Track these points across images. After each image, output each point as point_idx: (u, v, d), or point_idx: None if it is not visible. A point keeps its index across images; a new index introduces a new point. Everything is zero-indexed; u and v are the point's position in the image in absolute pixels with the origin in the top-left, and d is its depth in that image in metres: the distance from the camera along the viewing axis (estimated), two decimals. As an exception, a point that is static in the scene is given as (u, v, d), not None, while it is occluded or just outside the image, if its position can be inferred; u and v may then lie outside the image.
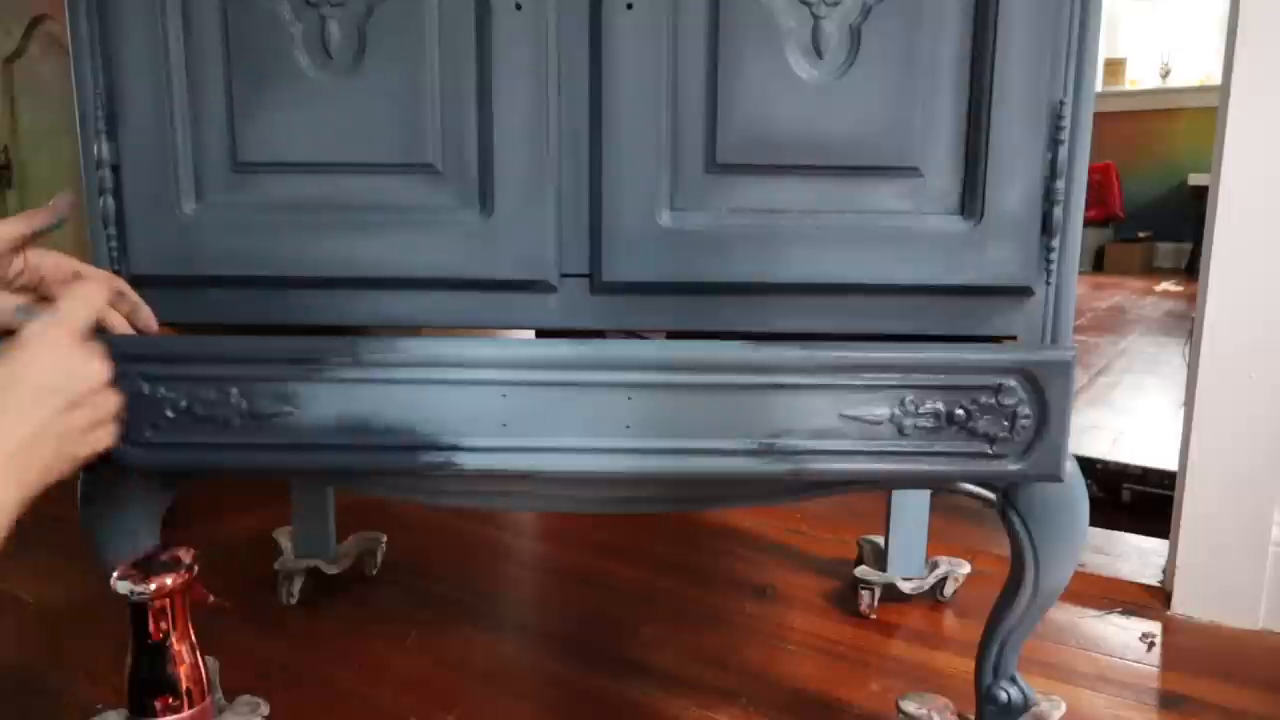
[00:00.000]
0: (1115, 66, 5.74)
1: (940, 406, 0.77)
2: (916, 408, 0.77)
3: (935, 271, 0.80)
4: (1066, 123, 0.77)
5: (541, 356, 0.78)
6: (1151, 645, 1.27)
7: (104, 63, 0.79)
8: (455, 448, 0.79)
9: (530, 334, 0.93)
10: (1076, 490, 0.84)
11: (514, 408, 0.78)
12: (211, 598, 0.81)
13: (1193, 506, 1.34)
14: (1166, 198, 5.64)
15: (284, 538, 1.40)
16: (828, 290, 0.81)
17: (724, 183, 0.80)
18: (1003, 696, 0.91)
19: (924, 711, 0.97)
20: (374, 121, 0.80)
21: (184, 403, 0.77)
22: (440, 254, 0.81)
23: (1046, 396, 0.77)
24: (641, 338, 0.90)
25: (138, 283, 0.78)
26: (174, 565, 0.75)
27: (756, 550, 1.56)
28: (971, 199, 0.79)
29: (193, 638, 0.78)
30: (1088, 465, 1.82)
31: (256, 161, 0.81)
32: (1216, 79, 1.37)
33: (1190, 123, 5.36)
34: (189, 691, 0.76)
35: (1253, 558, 1.31)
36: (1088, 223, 2.38)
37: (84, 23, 0.79)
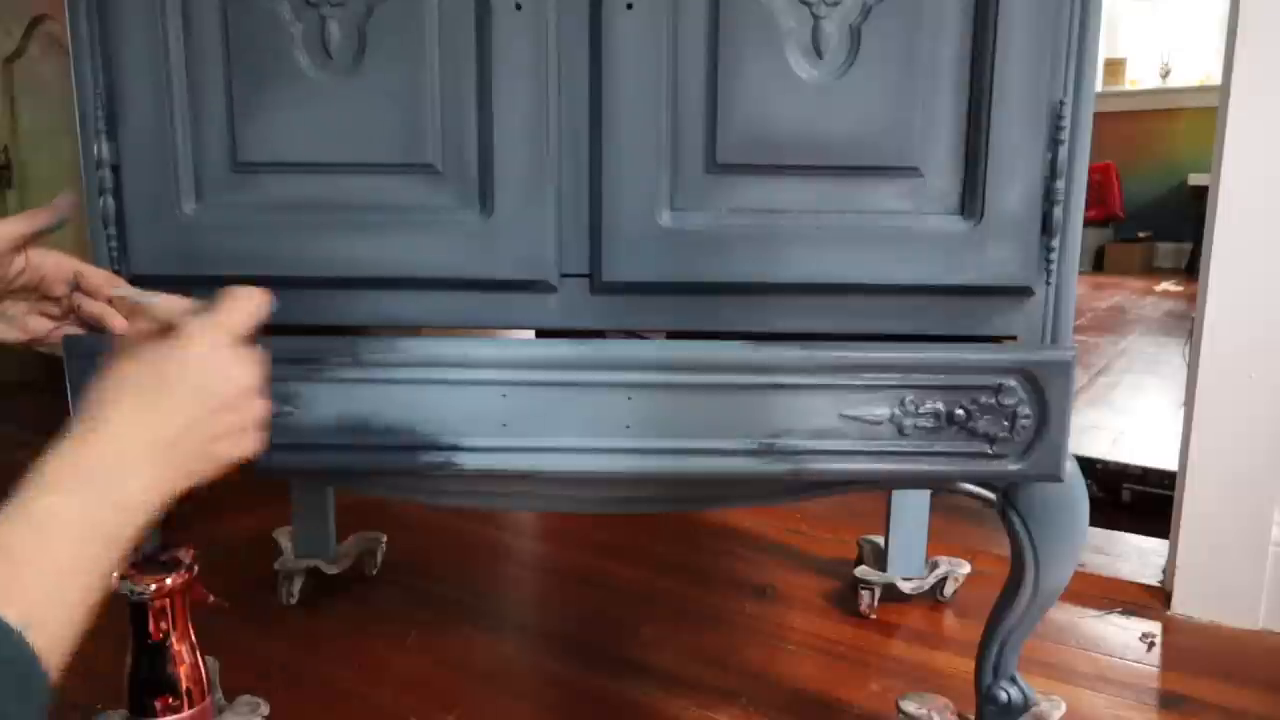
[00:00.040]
0: (1115, 66, 5.73)
1: (940, 406, 0.77)
2: (916, 408, 0.77)
3: (935, 271, 0.80)
4: (1066, 123, 0.77)
5: (541, 356, 0.78)
6: (1151, 645, 1.27)
7: (104, 63, 0.79)
8: (455, 448, 0.79)
9: (530, 334, 0.93)
10: (1076, 490, 0.84)
11: (514, 408, 0.78)
12: (211, 598, 0.81)
13: (1193, 506, 1.34)
14: (1166, 198, 5.63)
15: (284, 538, 1.40)
16: (828, 290, 0.81)
17: (724, 183, 0.80)
18: (1003, 696, 0.91)
19: (924, 711, 0.97)
20: (374, 121, 0.80)
21: (184, 403, 0.77)
22: (440, 254, 0.81)
23: (1046, 396, 0.77)
24: (641, 338, 0.90)
25: (138, 283, 0.78)
26: (174, 565, 0.75)
27: (756, 550, 1.56)
28: (971, 199, 0.79)
29: (193, 638, 0.78)
30: (1088, 465, 1.82)
31: (256, 161, 0.81)
32: (1216, 79, 1.37)
33: (1190, 123, 5.36)
34: (189, 691, 0.76)
35: (1253, 558, 1.31)
36: (1088, 223, 2.38)
37: (84, 23, 0.79)
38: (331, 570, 1.38)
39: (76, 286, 0.75)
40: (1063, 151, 0.77)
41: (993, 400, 0.77)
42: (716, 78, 0.78)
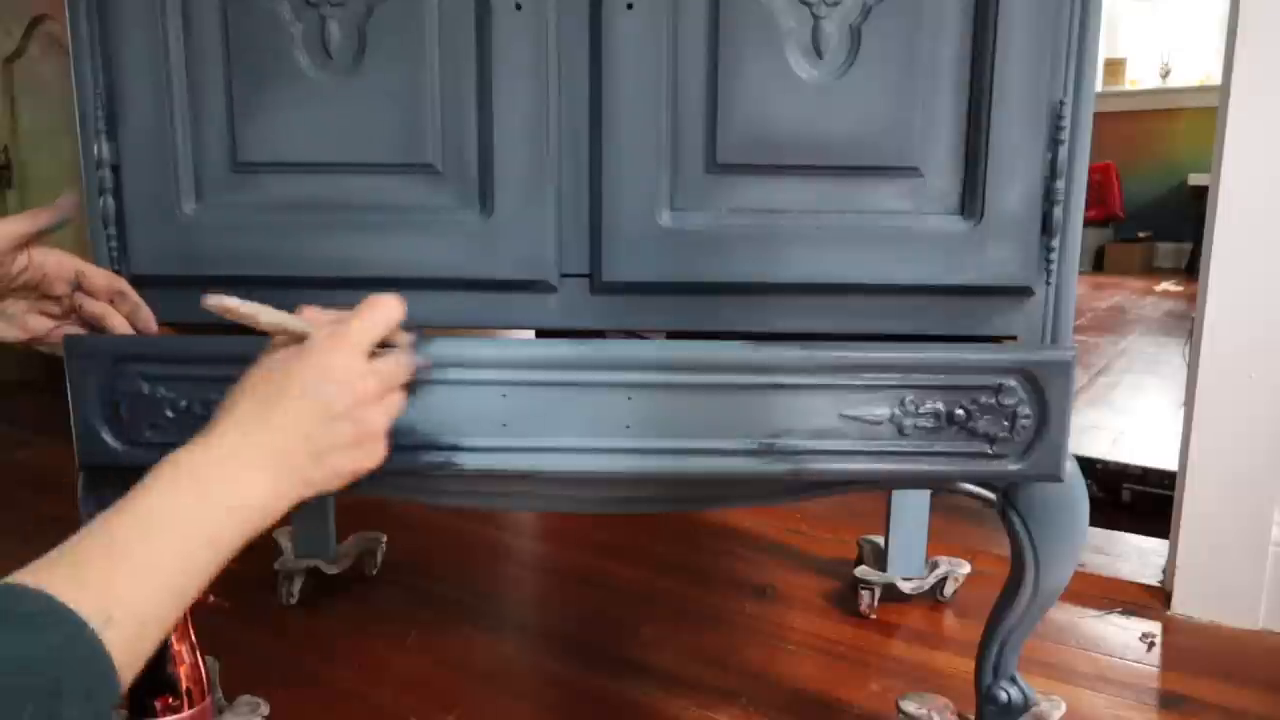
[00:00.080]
0: (1115, 66, 5.73)
1: (940, 406, 0.77)
2: (916, 408, 0.77)
3: (935, 271, 0.80)
4: (1066, 123, 0.77)
5: (541, 356, 0.78)
6: (1151, 645, 1.27)
7: (104, 63, 0.79)
8: (455, 447, 0.79)
9: (530, 334, 0.93)
10: (1076, 490, 0.84)
11: (514, 408, 0.78)
12: (211, 598, 0.81)
13: (1193, 506, 1.34)
14: (1166, 198, 5.63)
15: (284, 538, 1.40)
16: (828, 290, 0.81)
17: (724, 183, 0.80)
18: (1003, 696, 0.91)
19: (924, 711, 0.97)
20: (374, 121, 0.80)
21: (184, 403, 0.77)
22: (440, 254, 0.81)
23: (1046, 396, 0.77)
24: (641, 338, 0.90)
25: (138, 283, 0.78)
26: (174, 565, 0.75)
27: (756, 550, 1.56)
28: (971, 199, 0.79)
29: (193, 638, 0.78)
30: (1088, 465, 1.82)
31: (256, 161, 0.81)
32: (1216, 79, 1.37)
33: (1190, 123, 5.36)
34: (189, 691, 0.76)
35: (1253, 558, 1.31)
36: (1088, 223, 2.38)
37: (84, 23, 0.79)
38: (331, 570, 1.38)
39: (78, 286, 0.75)
40: (1063, 151, 0.77)
41: (993, 400, 0.77)
42: (716, 78, 0.78)
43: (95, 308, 0.75)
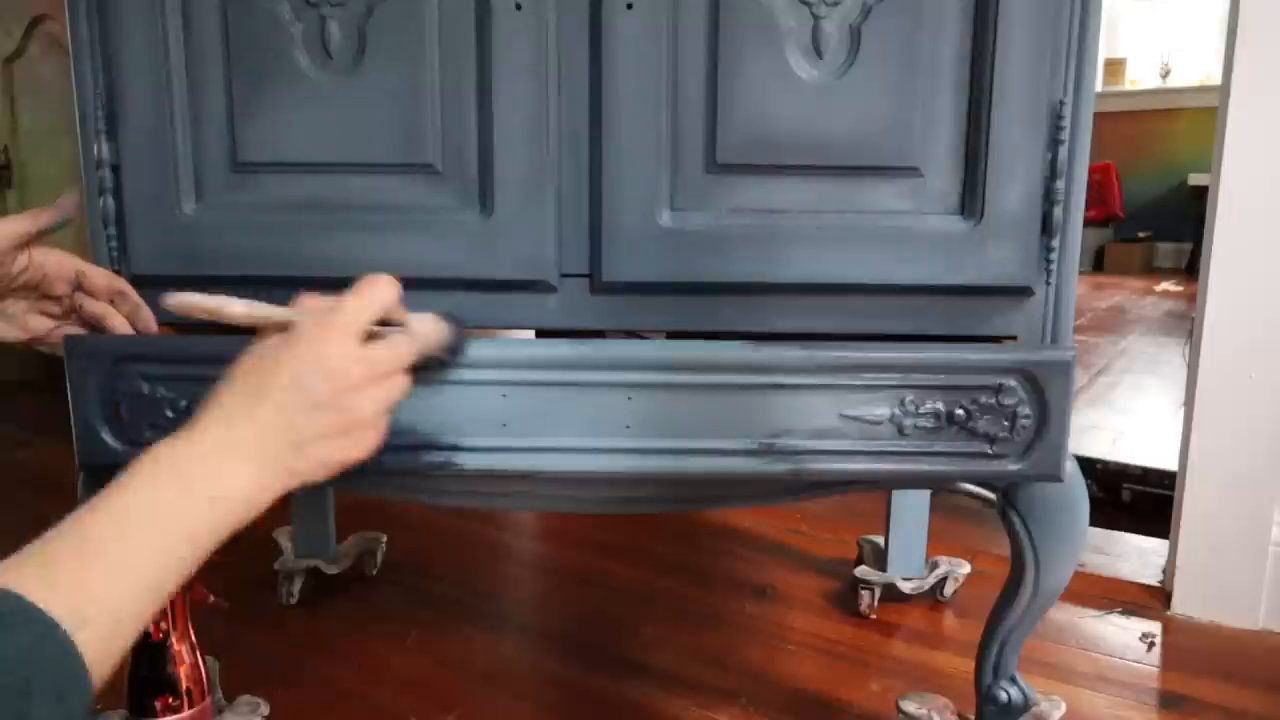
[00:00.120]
0: (1115, 66, 5.73)
1: (940, 406, 0.77)
2: (916, 408, 0.77)
3: (935, 271, 0.80)
4: (1066, 123, 0.77)
5: (541, 356, 0.78)
6: (1151, 645, 1.27)
7: (104, 63, 0.79)
8: (455, 447, 0.79)
9: (530, 334, 0.93)
10: (1076, 490, 0.84)
11: (514, 408, 0.78)
12: (211, 598, 0.81)
13: (1193, 506, 1.34)
14: (1166, 198, 5.63)
15: (284, 538, 1.40)
16: (828, 290, 0.81)
17: (724, 183, 0.80)
18: (1003, 696, 0.91)
19: (924, 711, 0.97)
20: (374, 121, 0.80)
21: (184, 403, 0.77)
22: (440, 254, 0.81)
23: (1046, 396, 0.77)
24: (641, 338, 0.90)
25: (138, 283, 0.78)
26: (174, 565, 0.75)
27: (756, 550, 1.56)
28: (971, 199, 0.79)
29: (193, 638, 0.78)
30: (1088, 465, 1.82)
31: (256, 161, 0.81)
32: (1216, 79, 1.37)
33: (1190, 123, 5.36)
34: (189, 691, 0.76)
35: (1253, 558, 1.31)
36: (1088, 223, 2.38)
37: (84, 23, 0.79)
38: (331, 570, 1.38)
39: (78, 286, 0.75)
40: (1063, 151, 0.77)
41: (993, 400, 0.77)
42: (716, 78, 0.78)
43: (95, 308, 0.75)
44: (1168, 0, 5.75)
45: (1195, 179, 5.24)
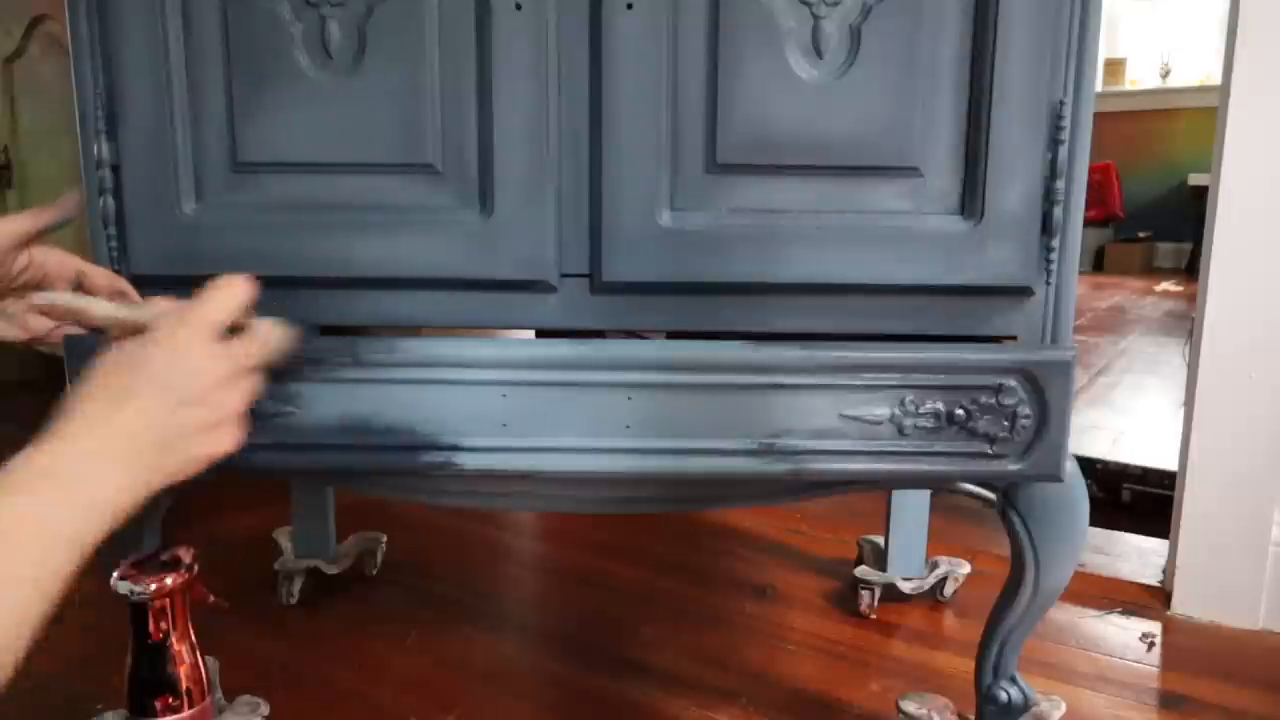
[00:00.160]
0: (1115, 66, 5.73)
1: (940, 406, 0.77)
2: (916, 408, 0.77)
3: (935, 271, 0.80)
4: (1066, 123, 0.77)
5: (541, 356, 0.78)
6: (1151, 645, 1.27)
7: (104, 63, 0.79)
8: (455, 448, 0.79)
9: (530, 334, 0.93)
10: (1076, 490, 0.84)
11: (514, 408, 0.78)
12: (211, 598, 0.81)
13: (1193, 506, 1.34)
14: (1166, 198, 5.63)
15: (284, 538, 1.40)
16: (828, 290, 0.81)
17: (724, 183, 0.80)
18: (1003, 696, 0.91)
19: (924, 711, 0.97)
20: (374, 121, 0.80)
21: (184, 403, 0.77)
22: (440, 254, 0.81)
23: (1046, 396, 0.77)
24: (641, 338, 0.90)
25: (138, 283, 0.78)
26: (174, 565, 0.75)
27: (756, 550, 1.56)
28: (971, 199, 0.79)
29: (193, 638, 0.78)
30: (1088, 465, 1.82)
31: (256, 161, 0.81)
32: (1216, 79, 1.37)
33: (1190, 123, 5.36)
34: (189, 691, 0.76)
35: (1253, 558, 1.31)
36: (1088, 223, 2.38)
37: (84, 23, 0.79)
38: (331, 570, 1.38)
39: (79, 286, 0.75)
40: (1063, 151, 0.77)
41: (993, 400, 0.77)
42: (716, 78, 0.78)
43: (95, 308, 0.75)
44: (1168, 0, 5.75)
45: (1195, 179, 5.24)
